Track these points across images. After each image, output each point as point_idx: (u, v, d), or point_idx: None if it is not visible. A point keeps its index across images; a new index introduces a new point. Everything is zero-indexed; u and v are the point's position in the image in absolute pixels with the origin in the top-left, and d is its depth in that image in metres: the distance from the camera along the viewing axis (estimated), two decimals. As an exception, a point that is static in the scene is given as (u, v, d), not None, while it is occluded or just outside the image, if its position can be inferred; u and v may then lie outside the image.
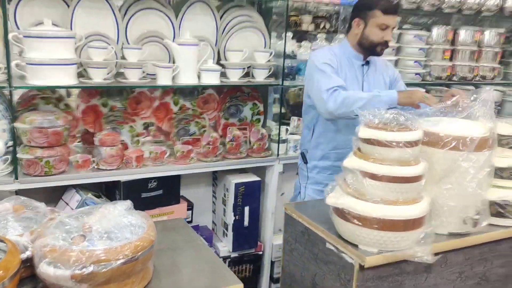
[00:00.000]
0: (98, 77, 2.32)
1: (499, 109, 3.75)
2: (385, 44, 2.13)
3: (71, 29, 2.35)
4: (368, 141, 1.71)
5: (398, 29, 3.22)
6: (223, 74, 2.68)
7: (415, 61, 3.24)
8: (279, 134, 2.82)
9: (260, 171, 2.94)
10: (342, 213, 1.70)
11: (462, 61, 3.47)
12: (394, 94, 2.01)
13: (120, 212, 1.36)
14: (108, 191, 2.55)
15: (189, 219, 2.82)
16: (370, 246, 1.69)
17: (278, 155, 2.85)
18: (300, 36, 3.85)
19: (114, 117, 2.55)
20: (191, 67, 2.52)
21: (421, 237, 1.70)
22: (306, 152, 2.36)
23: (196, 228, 2.85)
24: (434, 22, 3.47)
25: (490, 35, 3.55)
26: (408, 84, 3.29)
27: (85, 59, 2.35)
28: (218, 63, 2.71)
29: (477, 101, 1.91)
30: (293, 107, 3.50)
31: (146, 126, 2.74)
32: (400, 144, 1.66)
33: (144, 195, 2.50)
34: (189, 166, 2.59)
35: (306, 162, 2.36)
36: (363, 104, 1.96)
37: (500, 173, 2.01)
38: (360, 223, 1.65)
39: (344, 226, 1.71)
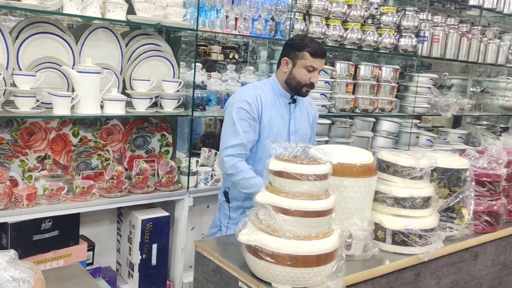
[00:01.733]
0: (-18, 106, 2.07)
1: (397, 140, 4.00)
2: (310, 86, 2.17)
3: (-50, 51, 2.08)
4: (278, 173, 1.69)
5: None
6: (129, 104, 2.54)
7: (322, 94, 3.35)
8: (189, 166, 2.72)
9: (169, 205, 2.80)
10: (255, 251, 1.64)
11: (363, 94, 3.67)
12: None
13: (1, 265, 1.16)
14: (-7, 235, 2.25)
15: (90, 261, 2.58)
16: (284, 284, 1.64)
17: (188, 188, 2.74)
18: (210, 66, 3.82)
19: (1, 151, 2.27)
20: (93, 96, 2.35)
21: (333, 270, 1.69)
22: (229, 190, 2.26)
23: (98, 270, 2.61)
24: (336, 57, 3.65)
25: (386, 71, 3.80)
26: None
27: (-33, 85, 2.08)
28: (123, 92, 2.56)
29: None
30: (205, 137, 3.43)
31: (41, 159, 2.49)
32: (310, 177, 1.65)
33: (36, 237, 2.24)
34: (90, 203, 2.38)
35: (228, 202, 2.27)
36: (251, 192, 2.04)
37: (402, 202, 2.10)
38: (273, 260, 1.60)
39: (257, 264, 1.65)
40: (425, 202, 2.12)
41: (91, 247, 2.59)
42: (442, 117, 4.46)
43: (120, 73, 2.60)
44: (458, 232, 2.23)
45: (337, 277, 1.69)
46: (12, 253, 1.21)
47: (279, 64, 2.22)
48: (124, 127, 2.69)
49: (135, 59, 2.57)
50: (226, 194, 2.26)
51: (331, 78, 3.45)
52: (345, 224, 1.88)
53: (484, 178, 2.40)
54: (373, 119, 3.83)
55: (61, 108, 2.24)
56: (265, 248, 1.62)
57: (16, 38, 2.28)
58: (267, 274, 1.63)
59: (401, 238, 2.06)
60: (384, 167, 2.17)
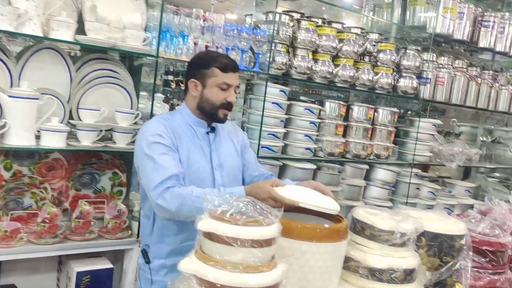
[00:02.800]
0: None
1: (393, 191, 3.59)
2: (227, 106, 1.80)
3: None
4: (208, 235, 1.31)
5: (289, 99, 2.99)
6: (74, 136, 2.22)
7: (306, 135, 2.99)
8: (140, 210, 2.35)
9: (120, 255, 2.42)
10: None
11: (356, 138, 3.29)
12: (242, 192, 1.63)
13: None
14: None
15: (15, 318, 2.19)
16: None
17: (138, 236, 2.36)
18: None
19: None
20: (26, 125, 2.03)
21: None
22: (148, 248, 1.84)
23: (24, 329, 2.21)
24: (328, 96, 3.31)
25: (384, 114, 3.44)
26: (297, 160, 3.03)
27: None
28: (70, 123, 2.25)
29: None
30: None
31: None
32: (246, 243, 1.27)
33: None
34: (13, 250, 2.02)
35: (148, 262, 1.83)
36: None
37: (378, 275, 1.68)
38: None
39: None
40: (407, 276, 1.70)
41: (17, 301, 2.20)
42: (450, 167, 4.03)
43: (68, 101, 2.28)
44: (449, 315, 1.80)
45: None
46: None
47: (186, 89, 1.86)
48: (68, 162, 2.35)
49: (85, 85, 2.27)
50: (145, 253, 1.84)
51: (319, 118, 3.09)
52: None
53: (485, 247, 1.97)
54: (366, 166, 3.43)
55: (-16, 137, 1.93)
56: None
57: None
58: None
59: (375, 321, 1.64)
60: (359, 228, 1.77)
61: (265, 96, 2.74)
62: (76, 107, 2.26)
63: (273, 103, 2.82)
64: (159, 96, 2.44)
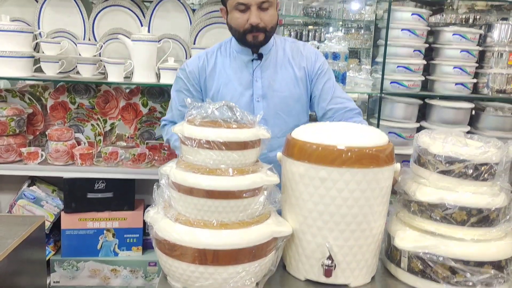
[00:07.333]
0: (50, 71, 2.36)
1: None
2: (252, 29, 1.62)
3: (38, 26, 2.45)
4: (180, 139, 1.31)
5: (434, 26, 2.50)
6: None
7: (456, 67, 2.45)
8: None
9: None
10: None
11: (543, 69, 2.50)
12: None
13: None
14: (65, 188, 2.53)
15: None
16: (176, 281, 1.28)
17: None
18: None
19: (76, 114, 2.54)
20: (147, 65, 2.37)
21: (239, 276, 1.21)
22: None
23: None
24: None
25: None
26: (449, 98, 2.52)
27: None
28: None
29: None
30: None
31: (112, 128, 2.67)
32: (200, 144, 1.23)
33: (90, 195, 2.41)
34: (139, 170, 2.41)
35: None
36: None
37: (429, 211, 1.33)
38: (165, 250, 1.26)
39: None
40: (472, 217, 1.28)
41: (157, 216, 2.60)
42: None
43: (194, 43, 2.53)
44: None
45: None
46: None
47: None
48: (192, 100, 2.61)
49: (196, 27, 2.46)
50: None
51: (480, 45, 2.48)
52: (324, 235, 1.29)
53: None
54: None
55: (114, 75, 2.34)
56: (159, 234, 1.28)
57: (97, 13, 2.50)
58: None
59: (418, 266, 1.31)
60: (416, 155, 1.42)
61: (388, 21, 2.37)
62: (189, 48, 2.49)
63: (403, 29, 2.42)
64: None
